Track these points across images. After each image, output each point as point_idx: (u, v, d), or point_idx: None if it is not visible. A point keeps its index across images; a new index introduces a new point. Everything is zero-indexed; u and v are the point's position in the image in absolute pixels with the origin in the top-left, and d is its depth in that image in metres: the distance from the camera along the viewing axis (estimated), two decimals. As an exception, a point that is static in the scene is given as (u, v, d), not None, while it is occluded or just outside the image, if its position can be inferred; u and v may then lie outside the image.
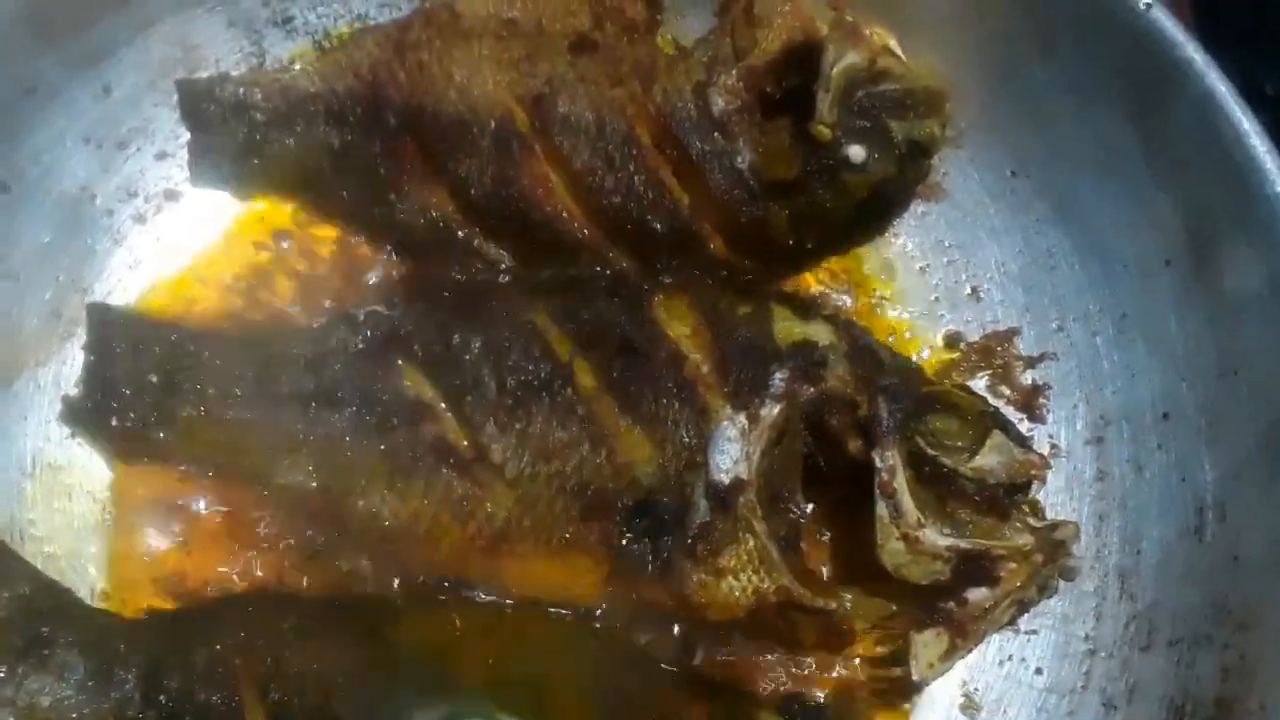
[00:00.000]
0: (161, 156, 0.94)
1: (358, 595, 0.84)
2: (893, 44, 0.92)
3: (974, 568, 0.82)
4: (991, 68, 0.93)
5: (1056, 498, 0.91)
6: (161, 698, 0.75)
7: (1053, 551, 0.83)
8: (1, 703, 0.73)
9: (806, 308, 0.90)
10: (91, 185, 0.91)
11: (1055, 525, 0.84)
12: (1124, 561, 0.88)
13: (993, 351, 0.94)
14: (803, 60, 0.90)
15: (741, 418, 0.82)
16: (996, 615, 0.83)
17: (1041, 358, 0.93)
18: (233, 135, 0.92)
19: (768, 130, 0.90)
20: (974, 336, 0.95)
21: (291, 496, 0.85)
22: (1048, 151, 0.93)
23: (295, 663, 0.78)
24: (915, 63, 0.91)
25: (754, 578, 0.82)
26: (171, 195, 0.94)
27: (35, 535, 0.84)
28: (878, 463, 0.81)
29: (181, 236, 0.94)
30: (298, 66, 0.95)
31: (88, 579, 0.84)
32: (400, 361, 0.85)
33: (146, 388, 0.85)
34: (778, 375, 0.83)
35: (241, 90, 0.92)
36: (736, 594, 0.82)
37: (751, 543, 0.82)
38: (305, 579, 0.85)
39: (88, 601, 0.82)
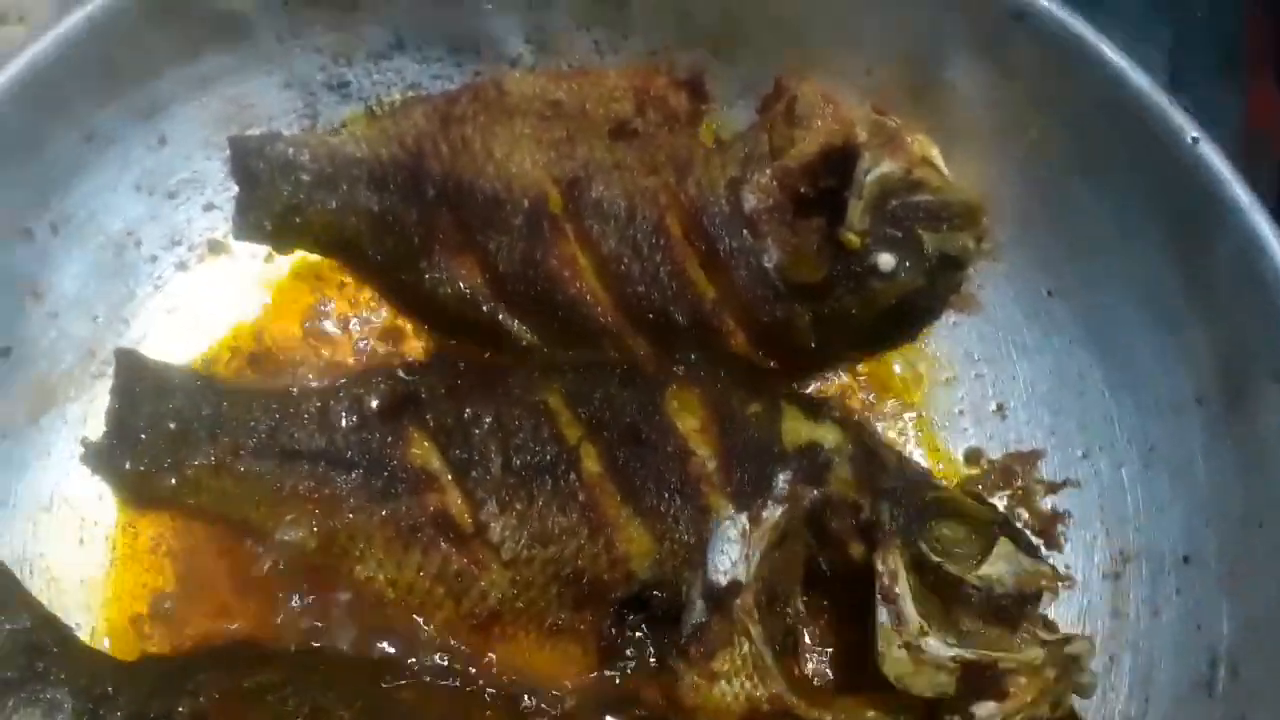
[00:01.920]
0: (209, 208, 0.97)
1: (343, 656, 0.85)
2: (934, 154, 0.92)
3: (981, 680, 0.79)
4: (1034, 186, 0.92)
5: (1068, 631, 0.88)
6: (141, 744, 0.77)
7: (1066, 667, 0.79)
8: (-12, 734, 0.75)
9: (817, 408, 0.89)
10: (138, 231, 0.94)
11: (1069, 639, 0.80)
12: (1130, 708, 0.84)
13: (1014, 472, 0.92)
14: (839, 163, 0.90)
15: (743, 519, 0.82)
16: (1007, 732, 0.80)
17: (1064, 484, 0.91)
18: (278, 192, 0.95)
19: (798, 231, 0.90)
20: (996, 454, 0.93)
21: (291, 553, 0.86)
22: (1086, 275, 0.91)
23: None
24: (953, 176, 0.91)
25: (747, 684, 0.81)
26: (215, 246, 0.97)
27: (44, 568, 0.86)
28: (879, 567, 0.79)
29: (221, 287, 0.97)
30: (347, 129, 0.98)
31: (89, 616, 0.86)
32: (411, 428, 0.87)
33: (163, 435, 0.87)
34: (781, 477, 0.82)
35: (290, 150, 0.95)
36: (729, 699, 0.81)
37: (746, 647, 0.81)
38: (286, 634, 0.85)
39: (86, 639, 0.84)
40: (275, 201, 0.95)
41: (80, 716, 0.78)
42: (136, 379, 0.89)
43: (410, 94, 0.99)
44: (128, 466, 0.87)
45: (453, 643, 0.85)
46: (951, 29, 0.90)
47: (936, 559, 0.79)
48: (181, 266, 0.96)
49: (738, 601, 0.81)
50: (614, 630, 0.84)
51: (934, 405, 0.95)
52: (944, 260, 0.89)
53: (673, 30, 0.97)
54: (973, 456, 0.94)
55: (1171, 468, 0.87)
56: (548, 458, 0.85)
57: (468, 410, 0.87)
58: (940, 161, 0.92)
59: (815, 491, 0.82)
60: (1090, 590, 0.88)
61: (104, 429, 0.88)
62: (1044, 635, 0.80)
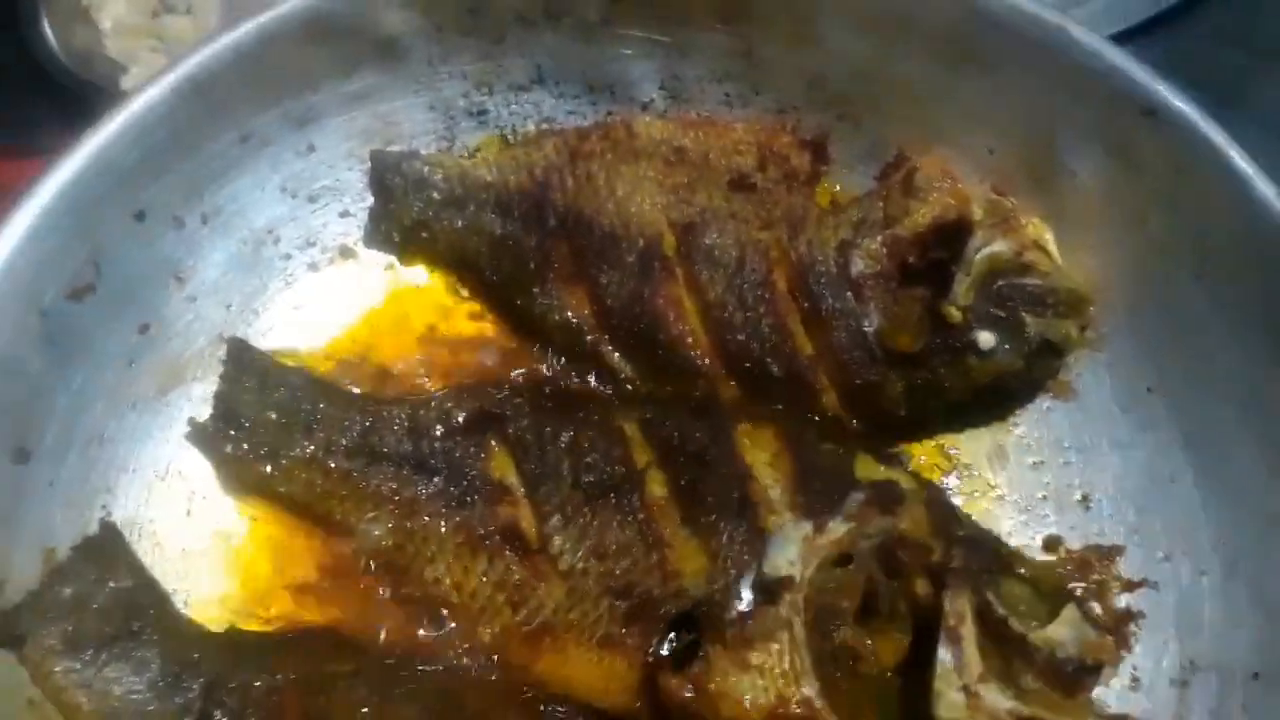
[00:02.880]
0: (344, 215, 1.02)
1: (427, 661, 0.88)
2: (1048, 239, 0.93)
3: None
4: (1146, 280, 0.92)
5: (1130, 731, 0.87)
6: (217, 713, 0.81)
7: None
8: (80, 682, 0.80)
9: (892, 459, 0.90)
10: (278, 229, 1.00)
11: (1124, 718, 0.80)
12: (1185, 821, 0.83)
13: (1091, 565, 0.91)
14: (951, 237, 0.91)
15: (807, 525, 0.81)
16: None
17: (1141, 584, 0.89)
18: (409, 207, 1.00)
19: (901, 299, 0.91)
20: (1075, 545, 0.92)
21: (368, 550, 0.90)
22: (1189, 376, 0.90)
23: (345, 709, 0.82)
24: (1065, 263, 0.91)
25: (779, 681, 0.78)
26: (346, 251, 1.03)
27: (151, 534, 0.91)
28: (947, 606, 0.78)
29: (348, 289, 1.02)
30: (481, 154, 1.03)
31: (185, 584, 0.91)
32: (493, 441, 0.90)
33: (263, 423, 0.92)
34: (854, 498, 0.82)
35: (425, 169, 1.00)
36: (757, 693, 0.78)
37: (787, 643, 0.79)
38: (382, 631, 0.89)
39: (180, 605, 0.89)
40: (405, 215, 1.00)
41: (165, 676, 0.82)
42: (245, 368, 0.94)
43: (544, 126, 1.04)
44: (228, 450, 0.92)
45: (506, 652, 0.87)
46: (1079, 117, 0.91)
47: (1003, 612, 0.78)
48: (313, 267, 1.02)
49: (787, 595, 0.79)
50: (661, 646, 0.84)
51: (1017, 487, 0.95)
52: (1044, 346, 0.90)
53: (803, 91, 1.00)
54: (1052, 544, 0.93)
55: (1253, 582, 0.85)
56: (615, 478, 0.87)
57: (548, 429, 0.90)
58: (1053, 247, 0.93)
59: (886, 520, 0.81)
60: (1155, 696, 0.87)
61: (211, 412, 0.93)
62: (1100, 709, 0.79)
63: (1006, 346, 0.89)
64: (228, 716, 0.81)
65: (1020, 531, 0.94)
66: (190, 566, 0.92)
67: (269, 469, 0.92)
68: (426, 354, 1.00)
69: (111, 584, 0.85)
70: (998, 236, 0.89)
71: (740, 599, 0.81)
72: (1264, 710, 0.82)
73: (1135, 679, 0.87)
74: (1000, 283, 0.89)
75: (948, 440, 0.97)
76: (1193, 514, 0.89)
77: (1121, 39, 1.21)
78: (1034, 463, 0.96)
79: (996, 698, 0.76)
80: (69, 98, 1.22)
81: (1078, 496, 0.94)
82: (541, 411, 0.91)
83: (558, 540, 0.86)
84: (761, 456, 0.87)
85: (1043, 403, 0.96)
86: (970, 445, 0.97)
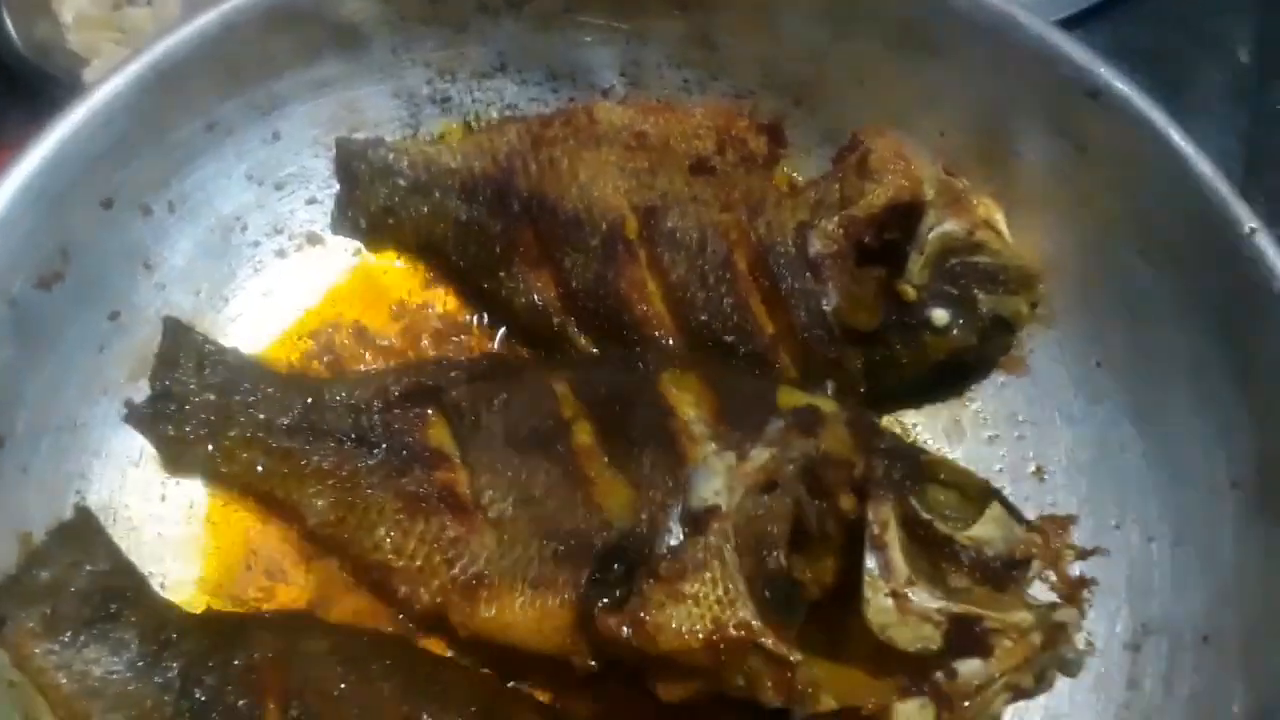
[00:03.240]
0: (311, 201, 1.04)
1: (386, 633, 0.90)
2: (998, 218, 0.95)
3: (967, 638, 0.75)
4: (1093, 258, 0.94)
5: (1083, 696, 0.89)
6: (196, 691, 0.82)
7: (1052, 635, 0.77)
8: (59, 664, 0.81)
9: (813, 388, 0.90)
10: (245, 217, 1.01)
11: (1055, 606, 0.79)
12: (1138, 781, 0.86)
13: (1046, 535, 0.93)
14: (905, 217, 0.93)
15: (730, 455, 0.82)
16: (989, 696, 0.77)
17: (1094, 551, 0.91)
18: (375, 194, 1.02)
19: (858, 279, 0.93)
20: (1030, 515, 0.95)
21: (313, 525, 0.92)
22: (1136, 349, 0.93)
23: (322, 685, 0.83)
24: (1015, 241, 0.94)
25: (715, 608, 0.76)
26: (313, 238, 1.04)
27: (127, 518, 0.93)
28: (869, 517, 0.77)
29: (316, 275, 1.04)
30: (445, 140, 1.04)
31: (160, 567, 0.92)
32: (431, 411, 0.91)
33: (203, 404, 0.93)
34: (774, 425, 0.83)
35: (391, 155, 1.02)
36: (694, 622, 0.76)
37: (719, 571, 0.77)
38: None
39: (156, 587, 0.90)
40: (372, 202, 1.02)
41: (144, 657, 0.83)
42: (180, 348, 0.95)
43: (507, 113, 1.06)
44: (169, 431, 0.93)
45: (448, 609, 0.87)
46: (1027, 100, 0.94)
47: (927, 516, 0.78)
48: (280, 254, 1.03)
49: (715, 524, 0.79)
50: (593, 585, 0.83)
51: (973, 461, 0.97)
52: (996, 322, 0.92)
53: (759, 76, 1.03)
54: (1004, 514, 0.96)
55: (1201, 547, 0.88)
56: (543, 429, 0.88)
57: (482, 394, 0.91)
58: (1003, 226, 0.95)
59: (808, 441, 0.81)
60: (1108, 659, 0.90)
61: (148, 393, 0.94)
62: (1031, 600, 0.79)
63: (960, 323, 0.91)
64: (206, 695, 0.82)
65: (974, 502, 0.96)
66: (165, 550, 0.93)
67: (210, 449, 0.93)
68: (394, 336, 1.02)
69: (88, 567, 0.86)
70: (949, 216, 0.92)
71: (670, 532, 0.81)
72: (1214, 671, 0.85)
73: (1089, 643, 0.89)
74: (953, 261, 0.92)
75: (905, 416, 1.00)
76: (1141, 483, 0.92)
77: (1069, 24, 1.24)
78: (989, 436, 0.99)
79: (925, 598, 0.75)
80: (30, 91, 1.21)
81: (1032, 468, 0.97)
82: (477, 380, 0.93)
83: (489, 493, 0.87)
84: (686, 397, 0.87)
85: (997, 378, 0.99)
86: (928, 421, 1.00)
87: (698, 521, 0.79)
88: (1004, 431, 0.99)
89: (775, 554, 0.80)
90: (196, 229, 0.98)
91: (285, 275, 1.03)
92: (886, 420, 0.99)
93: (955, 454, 0.98)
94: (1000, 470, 0.97)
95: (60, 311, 0.90)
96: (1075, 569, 0.91)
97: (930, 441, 0.99)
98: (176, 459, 0.95)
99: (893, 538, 0.76)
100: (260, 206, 1.02)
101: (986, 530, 0.79)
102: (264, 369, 0.96)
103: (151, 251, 0.96)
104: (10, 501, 0.87)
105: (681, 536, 0.80)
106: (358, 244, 1.04)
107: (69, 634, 0.83)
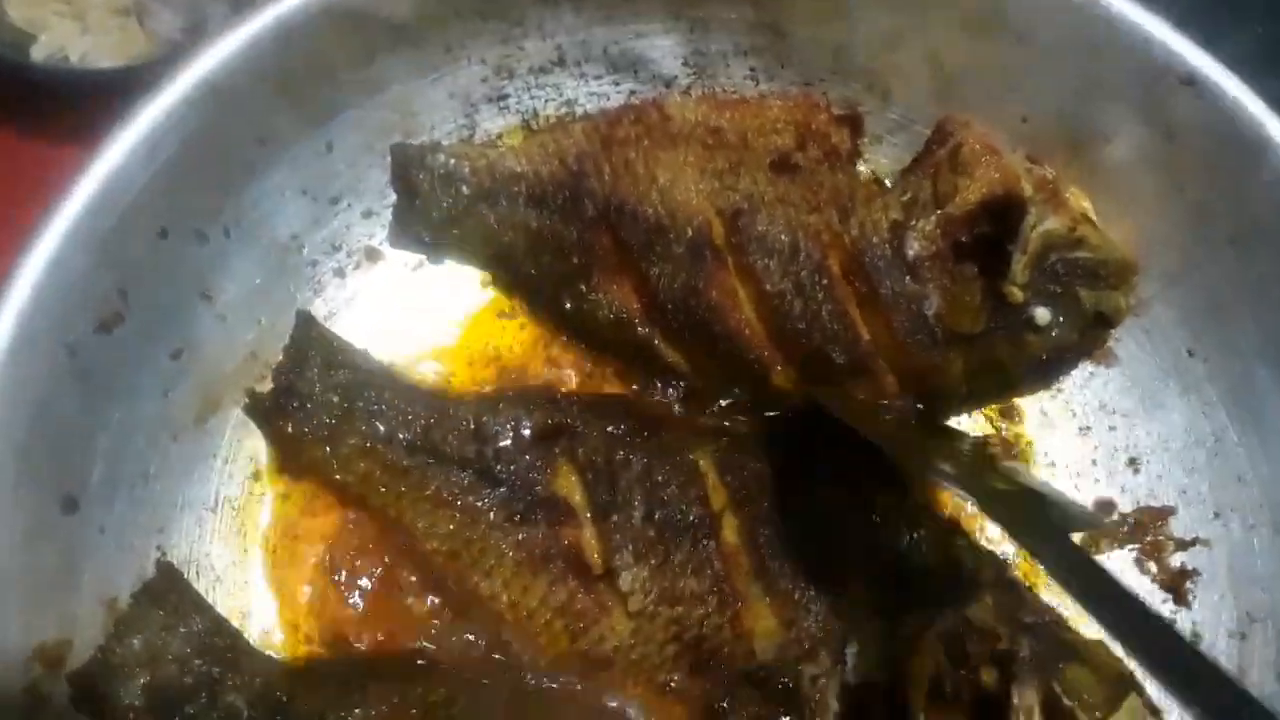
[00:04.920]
0: (368, 214, 0.98)
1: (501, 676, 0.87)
2: (1088, 207, 0.94)
3: None
4: (1183, 245, 0.93)
5: None
6: (317, 754, 0.79)
7: None
8: (166, 741, 0.77)
9: (956, 529, 0.91)
10: (301, 236, 0.95)
11: None
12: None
13: (1145, 527, 0.94)
14: (1000, 212, 0.91)
15: (881, 623, 0.83)
16: None
17: (1194, 542, 0.93)
18: (436, 203, 0.96)
19: (958, 280, 0.91)
20: (1126, 507, 0.96)
21: (420, 552, 0.88)
22: (1227, 337, 0.93)
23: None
24: (1110, 233, 0.93)
25: None
26: (372, 254, 0.98)
27: (209, 568, 0.88)
28: (1015, 699, 0.78)
29: (378, 293, 0.98)
30: (504, 141, 0.99)
31: (251, 619, 0.88)
32: (561, 459, 0.88)
33: (326, 405, 0.89)
34: (924, 589, 0.84)
35: (451, 161, 0.96)
36: None
37: None
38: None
39: (249, 636, 0.86)
40: (434, 212, 0.96)
41: (256, 722, 0.80)
42: (310, 345, 0.91)
43: (566, 110, 1.00)
44: (288, 428, 0.89)
45: (560, 673, 0.86)
46: (1115, 85, 0.91)
47: (1069, 702, 0.79)
48: (339, 272, 0.97)
49: (874, 707, 0.82)
50: (724, 704, 0.85)
51: (1067, 453, 0.97)
52: (1098, 318, 0.91)
53: (830, 63, 0.99)
54: (1104, 508, 0.96)
55: (1304, 536, 0.90)
56: (690, 518, 0.86)
57: (619, 453, 0.88)
58: (1094, 215, 0.94)
59: (957, 610, 0.82)
60: (1216, 649, 0.91)
61: (271, 386, 0.90)
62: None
63: (1062, 320, 0.90)
64: (329, 757, 0.79)
65: (1073, 496, 0.96)
66: (251, 596, 0.88)
67: (326, 452, 0.89)
68: (470, 359, 0.97)
69: (181, 629, 0.82)
70: (1049, 212, 0.90)
71: (829, 710, 0.82)
72: (1324, 658, 0.87)
73: (1195, 634, 0.91)
74: (1053, 258, 0.90)
75: (994, 409, 0.99)
76: (1239, 471, 0.92)
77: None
78: (1081, 428, 0.98)
79: None
80: None
81: (1125, 460, 0.97)
82: (612, 432, 0.89)
83: (627, 577, 0.85)
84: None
85: (1086, 369, 0.98)
86: (1020, 414, 0.99)
87: (856, 702, 0.81)
88: (1095, 422, 0.98)
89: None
90: (253, 252, 0.92)
91: (346, 295, 0.97)
92: (976, 416, 0.98)
93: (1048, 446, 0.98)
94: (1094, 462, 0.97)
95: (122, 355, 0.83)
96: (1176, 560, 0.93)
97: (1023, 436, 0.98)
98: (291, 459, 0.90)
99: None
100: (315, 223, 0.95)
101: None
102: (392, 376, 0.92)
103: (209, 280, 0.89)
104: (91, 566, 0.81)
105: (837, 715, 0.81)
106: (420, 257, 0.99)
107: (174, 708, 0.78)
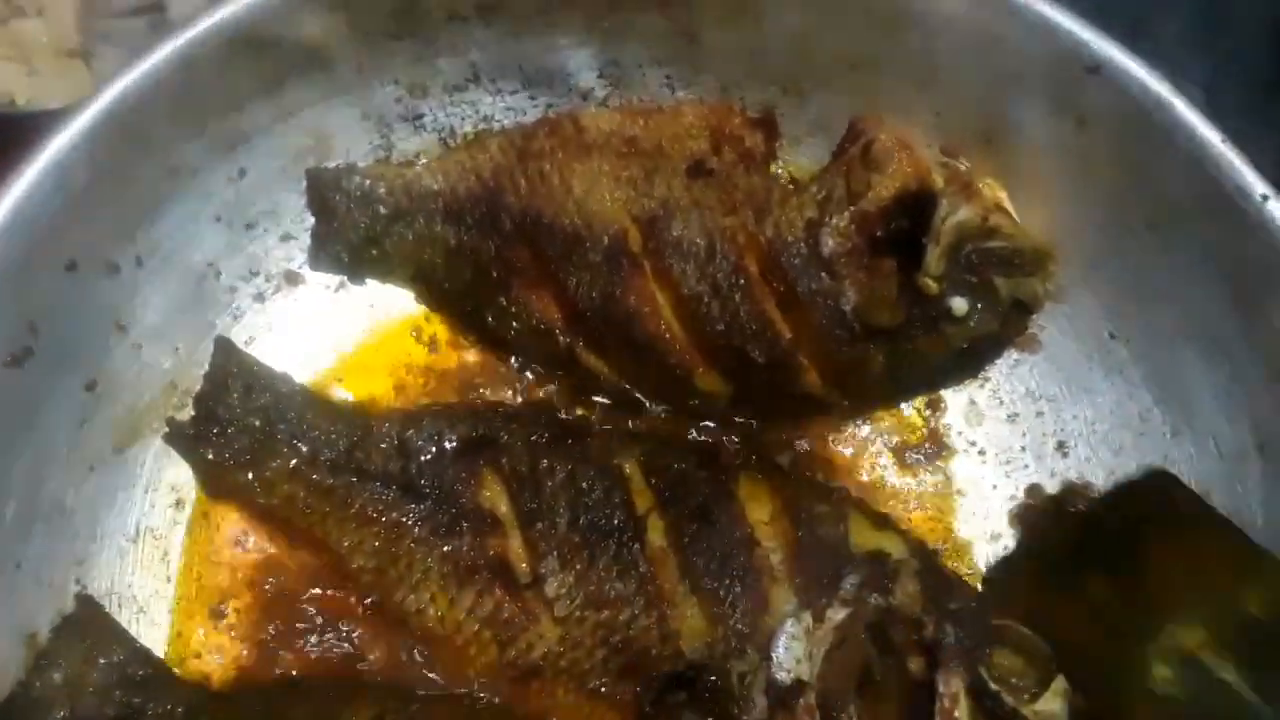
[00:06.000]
0: (285, 239, 0.98)
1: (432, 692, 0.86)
2: (1003, 197, 0.94)
3: None
4: (1100, 231, 0.94)
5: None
6: (241, 779, 0.78)
7: None
8: (92, 772, 0.76)
9: (883, 519, 0.91)
10: (218, 262, 0.95)
11: None
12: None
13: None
14: (913, 206, 0.91)
15: (807, 616, 0.82)
16: None
17: (1121, 521, 0.93)
18: (354, 225, 0.96)
19: (873, 274, 0.91)
20: (1053, 490, 0.96)
21: (346, 570, 0.88)
22: (1149, 320, 0.93)
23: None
24: (1027, 222, 0.93)
25: None
26: (291, 277, 0.98)
27: (131, 599, 0.87)
28: (940, 687, 0.79)
29: (298, 316, 0.98)
30: (422, 161, 0.99)
31: (177, 644, 0.87)
32: (486, 469, 0.88)
33: (247, 429, 0.89)
34: (849, 580, 0.83)
35: (367, 183, 0.96)
36: None
37: None
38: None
39: (174, 665, 0.85)
40: (352, 233, 0.96)
41: (177, 753, 0.79)
42: (229, 370, 0.91)
43: (483, 126, 1.00)
44: (210, 456, 0.89)
45: (491, 689, 0.86)
46: (1025, 75, 0.92)
47: (995, 687, 0.80)
48: (259, 297, 0.97)
49: (801, 700, 0.80)
50: (653, 705, 0.84)
51: (995, 442, 0.98)
52: (1015, 305, 0.91)
53: (744, 67, 0.99)
54: (1034, 492, 0.96)
55: (1229, 512, 0.88)
56: (615, 522, 0.86)
57: (544, 461, 0.88)
58: (1009, 205, 0.94)
59: (882, 599, 0.82)
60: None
61: (192, 413, 0.89)
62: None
63: (980, 309, 0.90)
64: (250, 783, 0.78)
65: (1003, 484, 0.97)
66: (176, 625, 0.88)
67: (250, 477, 0.89)
68: (391, 377, 0.97)
69: (101, 660, 0.81)
70: (962, 204, 0.90)
71: (754, 705, 0.81)
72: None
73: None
74: (968, 248, 0.90)
75: (922, 402, 0.99)
76: (1165, 451, 0.93)
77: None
78: (1009, 415, 0.99)
79: None
80: None
81: (1054, 444, 0.97)
82: (537, 441, 0.89)
83: (553, 583, 0.85)
84: (761, 515, 0.87)
85: (1011, 356, 0.99)
86: (945, 405, 0.99)
87: (784, 699, 0.80)
88: (1023, 409, 0.99)
89: (847, 710, 0.80)
90: (168, 282, 0.91)
91: (267, 320, 0.97)
92: (905, 408, 0.98)
93: (976, 436, 0.98)
94: (1023, 449, 0.98)
95: (34, 388, 0.83)
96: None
97: (951, 428, 0.98)
98: (214, 486, 0.90)
99: (963, 711, 0.78)
100: (232, 249, 0.95)
101: (1052, 705, 0.80)
102: (313, 397, 0.92)
103: (123, 311, 0.89)
104: (8, 602, 0.80)
105: (766, 709, 0.80)
106: (339, 279, 0.99)
107: (95, 739, 0.77)
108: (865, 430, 0.98)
